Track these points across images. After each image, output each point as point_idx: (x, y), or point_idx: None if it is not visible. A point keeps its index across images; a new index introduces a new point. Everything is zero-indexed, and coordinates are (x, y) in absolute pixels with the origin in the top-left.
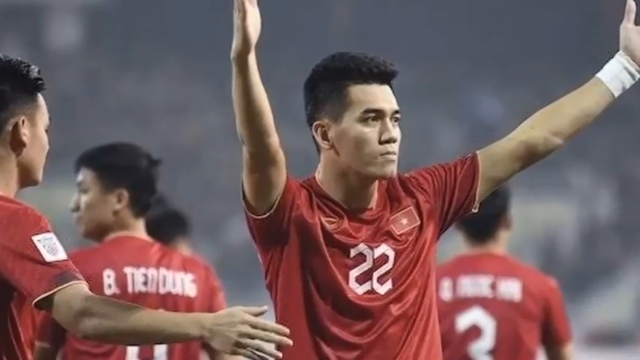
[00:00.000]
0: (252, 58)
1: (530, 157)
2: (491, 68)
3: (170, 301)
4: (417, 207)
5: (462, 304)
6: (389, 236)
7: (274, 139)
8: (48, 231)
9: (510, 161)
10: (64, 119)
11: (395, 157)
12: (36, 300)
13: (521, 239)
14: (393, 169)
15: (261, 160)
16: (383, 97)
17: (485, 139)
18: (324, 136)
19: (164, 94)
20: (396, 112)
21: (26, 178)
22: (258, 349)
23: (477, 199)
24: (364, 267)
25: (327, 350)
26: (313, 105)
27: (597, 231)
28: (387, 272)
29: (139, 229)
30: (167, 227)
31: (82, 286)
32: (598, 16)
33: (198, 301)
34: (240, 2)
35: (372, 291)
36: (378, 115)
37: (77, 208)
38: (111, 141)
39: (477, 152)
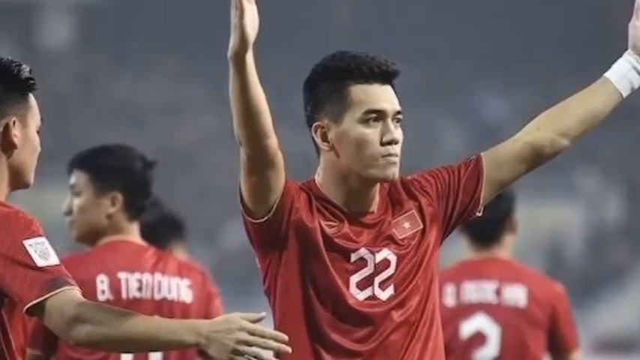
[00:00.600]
0: (249, 58)
1: (537, 159)
2: (495, 68)
3: (165, 307)
4: (420, 210)
5: (466, 310)
6: (391, 240)
7: (273, 141)
8: (40, 235)
9: (516, 163)
10: (57, 120)
11: (397, 159)
12: (27, 306)
13: (526, 243)
14: (394, 172)
15: (260, 162)
16: (384, 97)
17: (490, 141)
18: (324, 138)
19: (159, 94)
20: (398, 112)
21: (17, 181)
22: (255, 357)
23: (481, 202)
24: (365, 272)
25: (327, 358)
26: (313, 105)
27: (605, 235)
28: (389, 277)
29: (133, 233)
30: (162, 231)
31: (74, 292)
32: (606, 14)
33: (195, 308)
34: (238, 0)
35: (373, 297)
36: (380, 115)
37: (70, 212)
38: (104, 142)
39: (482, 154)
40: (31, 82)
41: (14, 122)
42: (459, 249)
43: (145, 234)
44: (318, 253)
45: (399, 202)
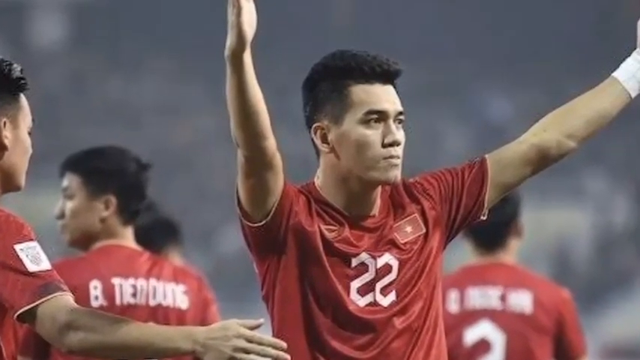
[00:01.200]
0: (247, 57)
1: (543, 161)
2: (500, 67)
3: (160, 314)
4: (422, 214)
5: (470, 316)
6: (392, 245)
7: (271, 142)
8: (31, 239)
9: (521, 165)
10: (48, 121)
11: (399, 162)
12: (18, 312)
13: (532, 248)
14: (396, 174)
15: (257, 164)
16: (386, 97)
17: (494, 142)
18: (324, 139)
19: (154, 94)
20: (400, 113)
21: (8, 184)
22: None
23: (485, 205)
24: (366, 277)
25: None
26: (312, 106)
27: (613, 239)
28: (391, 283)
29: (127, 238)
30: (157, 235)
31: (67, 298)
32: (613, 13)
33: (191, 314)
34: None
35: (374, 303)
36: (381, 116)
37: (62, 216)
38: (98, 144)
39: (486, 156)
40: (22, 82)
41: (5, 123)
42: (462, 254)
43: (140, 238)
44: (317, 258)
45: (401, 205)
